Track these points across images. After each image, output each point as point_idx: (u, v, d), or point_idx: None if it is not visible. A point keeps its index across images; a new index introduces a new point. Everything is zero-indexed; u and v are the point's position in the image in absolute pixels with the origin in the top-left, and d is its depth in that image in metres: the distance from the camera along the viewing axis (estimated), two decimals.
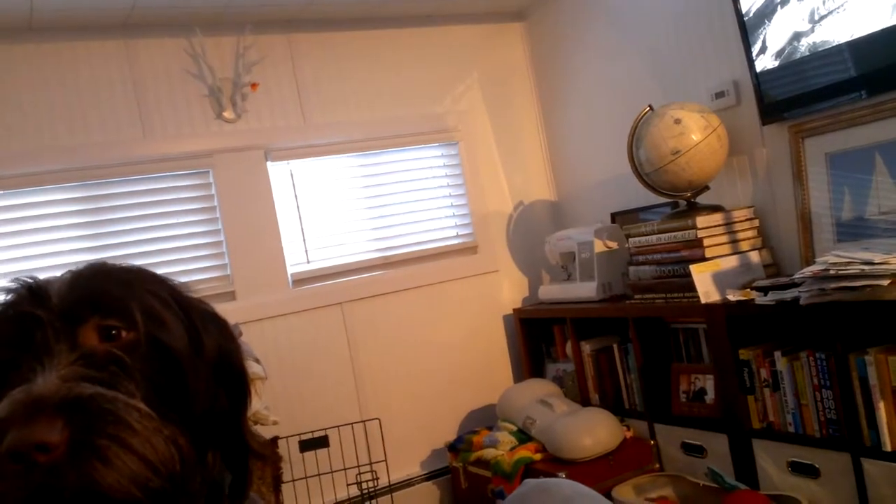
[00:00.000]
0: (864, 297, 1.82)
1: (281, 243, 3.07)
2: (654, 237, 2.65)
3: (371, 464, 2.92)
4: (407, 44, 3.39)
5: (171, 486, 0.57)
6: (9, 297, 0.64)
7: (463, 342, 3.39)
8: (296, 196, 3.15)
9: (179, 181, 2.96)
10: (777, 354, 2.18)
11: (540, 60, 3.63)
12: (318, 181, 3.20)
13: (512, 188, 3.59)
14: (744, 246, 2.53)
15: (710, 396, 2.51)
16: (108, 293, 0.65)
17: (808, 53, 2.29)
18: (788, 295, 2.09)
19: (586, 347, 3.02)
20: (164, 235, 2.90)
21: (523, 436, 2.88)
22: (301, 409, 3.02)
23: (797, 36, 2.31)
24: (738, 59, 2.56)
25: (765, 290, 2.23)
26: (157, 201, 2.92)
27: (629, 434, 2.76)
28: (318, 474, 2.86)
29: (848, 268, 1.85)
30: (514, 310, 3.41)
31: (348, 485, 2.92)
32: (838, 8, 2.18)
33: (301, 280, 3.12)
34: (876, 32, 2.09)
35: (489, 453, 2.83)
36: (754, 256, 2.52)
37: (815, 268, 1.93)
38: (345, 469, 2.91)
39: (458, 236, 3.48)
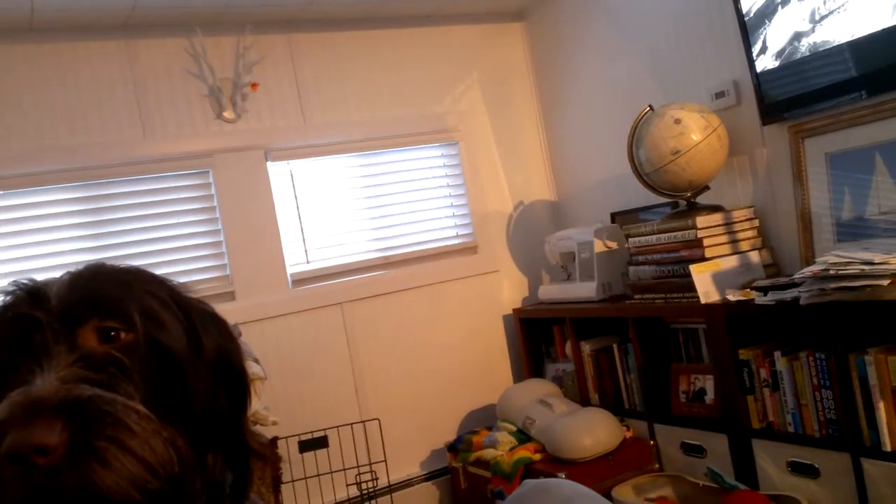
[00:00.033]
0: (864, 297, 1.82)
1: (281, 243, 3.07)
2: (653, 237, 2.64)
3: (371, 464, 2.92)
4: (407, 44, 3.39)
5: (170, 488, 0.57)
6: (7, 299, 0.64)
7: (463, 342, 3.39)
8: (296, 196, 3.15)
9: (179, 181, 2.96)
10: (777, 354, 2.18)
11: (540, 60, 3.62)
12: (318, 181, 3.20)
13: (512, 188, 3.59)
14: (744, 246, 2.53)
15: (709, 396, 2.51)
16: (106, 294, 0.64)
17: (808, 53, 2.29)
18: (788, 295, 2.09)
19: (586, 347, 3.02)
20: (164, 235, 2.90)
21: (523, 436, 2.88)
22: (301, 409, 3.02)
23: (798, 36, 2.31)
24: (738, 59, 2.56)
25: (765, 290, 2.23)
26: (158, 201, 2.92)
27: (629, 434, 2.76)
28: (318, 475, 2.86)
29: (848, 268, 1.85)
30: (514, 310, 3.41)
31: (348, 485, 2.92)
32: (839, 8, 2.18)
33: (301, 280, 3.12)
34: (876, 32, 2.09)
35: (489, 453, 2.83)
36: (754, 256, 2.52)
37: (815, 268, 1.93)
38: (344, 469, 2.91)
39: (458, 236, 3.48)
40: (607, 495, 2.45)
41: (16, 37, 2.71)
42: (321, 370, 3.10)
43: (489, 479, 2.80)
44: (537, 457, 2.73)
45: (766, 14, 2.39)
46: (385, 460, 2.93)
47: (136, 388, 0.60)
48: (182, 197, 2.96)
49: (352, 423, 2.96)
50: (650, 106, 2.67)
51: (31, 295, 0.64)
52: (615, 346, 2.92)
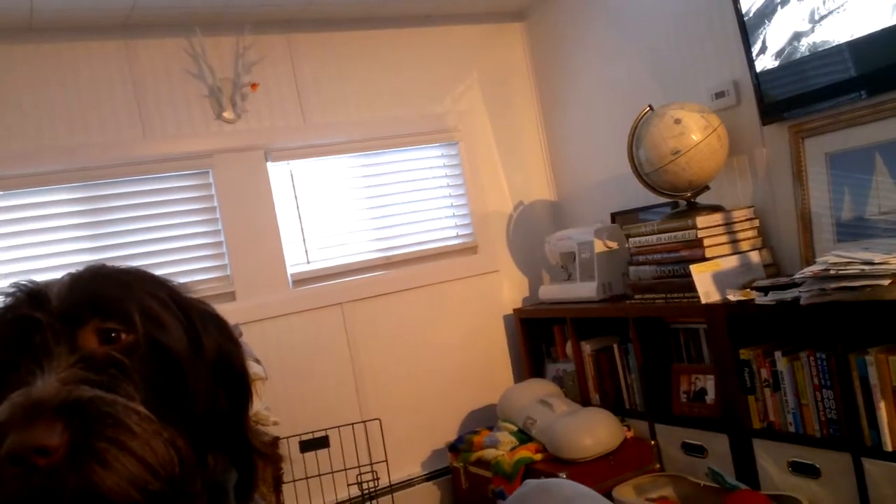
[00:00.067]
0: (865, 296, 1.82)
1: (281, 243, 3.07)
2: (654, 237, 2.64)
3: (371, 464, 2.92)
4: (407, 44, 3.39)
5: (171, 488, 0.58)
6: (8, 300, 0.64)
7: (463, 342, 3.39)
8: (296, 196, 3.15)
9: (179, 181, 2.96)
10: (777, 354, 2.18)
11: (540, 60, 3.62)
12: (318, 181, 3.20)
13: (512, 188, 3.59)
14: (744, 246, 2.53)
15: (710, 396, 2.51)
16: (107, 295, 0.65)
17: (808, 53, 2.29)
18: (789, 295, 2.09)
19: (586, 347, 3.02)
20: (164, 236, 2.90)
21: (524, 436, 2.88)
22: (301, 409, 3.02)
23: (797, 36, 2.31)
24: (738, 59, 2.55)
25: (765, 290, 2.23)
26: (157, 202, 2.91)
27: (629, 434, 2.76)
28: (319, 475, 2.86)
29: (848, 268, 1.85)
30: (515, 310, 3.41)
31: (349, 485, 2.92)
32: (838, 8, 2.18)
33: (301, 280, 3.12)
34: (876, 32, 2.09)
35: (490, 453, 2.83)
36: (754, 256, 2.52)
37: (815, 268, 1.93)
38: (345, 469, 2.91)
39: (458, 236, 3.48)
40: (608, 495, 2.45)
41: (15, 37, 2.71)
42: (322, 370, 3.10)
43: (490, 479, 2.80)
44: (538, 457, 2.73)
45: (765, 14, 2.39)
46: (386, 460, 2.93)
47: (137, 388, 0.60)
48: (182, 197, 2.96)
49: (353, 423, 2.96)
50: (650, 106, 2.67)
51: (31, 296, 0.64)
52: (616, 346, 2.92)
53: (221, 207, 2.98)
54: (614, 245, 3.02)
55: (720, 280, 2.42)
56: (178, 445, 0.60)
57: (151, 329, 0.65)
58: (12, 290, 0.65)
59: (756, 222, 2.58)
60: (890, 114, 2.14)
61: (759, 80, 2.44)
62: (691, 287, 2.43)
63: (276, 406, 2.89)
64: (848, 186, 2.29)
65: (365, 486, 2.84)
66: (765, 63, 2.42)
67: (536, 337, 3.38)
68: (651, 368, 2.72)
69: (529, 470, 2.67)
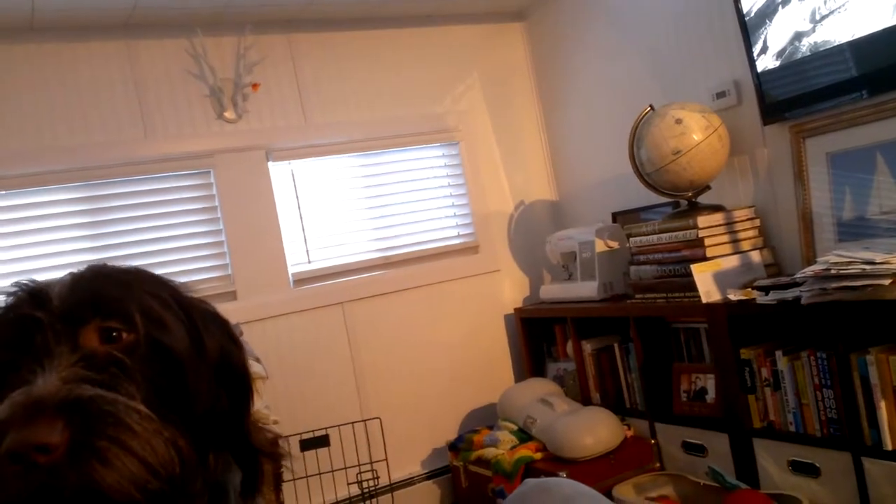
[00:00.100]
0: (866, 296, 1.82)
1: (282, 243, 3.08)
2: (655, 237, 2.64)
3: (372, 463, 2.92)
4: (407, 44, 3.40)
5: (171, 488, 0.58)
6: (9, 299, 0.65)
7: (464, 341, 3.39)
8: (297, 196, 3.15)
9: (180, 181, 2.96)
10: (778, 354, 2.18)
11: (540, 60, 3.62)
12: (319, 181, 3.20)
13: (513, 188, 3.59)
14: (745, 245, 2.53)
15: (710, 396, 2.51)
16: (108, 295, 0.65)
17: (809, 53, 2.29)
18: (789, 294, 2.09)
19: (587, 347, 3.02)
20: (165, 235, 2.91)
21: (524, 435, 2.88)
22: (302, 408, 3.03)
23: (798, 36, 2.31)
24: (739, 59, 2.55)
25: (766, 290, 2.23)
26: (159, 201, 2.92)
27: (630, 433, 2.76)
28: (319, 473, 2.87)
29: (849, 267, 1.85)
30: (515, 309, 3.41)
31: (349, 484, 2.92)
32: (839, 8, 2.18)
33: (302, 280, 3.13)
34: (877, 32, 2.09)
35: (490, 452, 2.83)
36: (755, 256, 2.52)
37: (816, 267, 1.93)
38: (345, 468, 2.91)
39: (458, 236, 3.48)
40: (608, 494, 2.45)
41: (16, 37, 2.71)
42: (322, 369, 3.11)
43: (490, 478, 2.80)
44: (538, 456, 2.73)
45: (766, 14, 2.39)
46: (386, 459, 2.93)
47: (138, 388, 0.61)
48: (183, 197, 2.96)
49: (353, 422, 2.96)
50: (651, 106, 2.67)
51: (32, 295, 0.64)
52: (616, 345, 2.92)
53: (222, 207, 2.98)
54: (615, 245, 3.02)
55: (721, 280, 2.42)
56: (179, 445, 0.60)
57: (152, 329, 0.65)
58: (14, 289, 0.65)
59: (757, 222, 2.58)
60: (891, 113, 2.13)
61: (760, 79, 2.44)
62: (692, 287, 2.43)
63: (277, 405, 2.89)
64: (849, 186, 2.28)
65: (365, 484, 2.84)
66: (766, 63, 2.42)
67: (537, 336, 3.38)
68: (652, 368, 2.72)
69: (529, 469, 2.67)
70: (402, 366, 3.26)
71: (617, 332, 2.97)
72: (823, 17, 2.22)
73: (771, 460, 2.21)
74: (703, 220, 2.48)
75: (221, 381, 0.71)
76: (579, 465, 2.60)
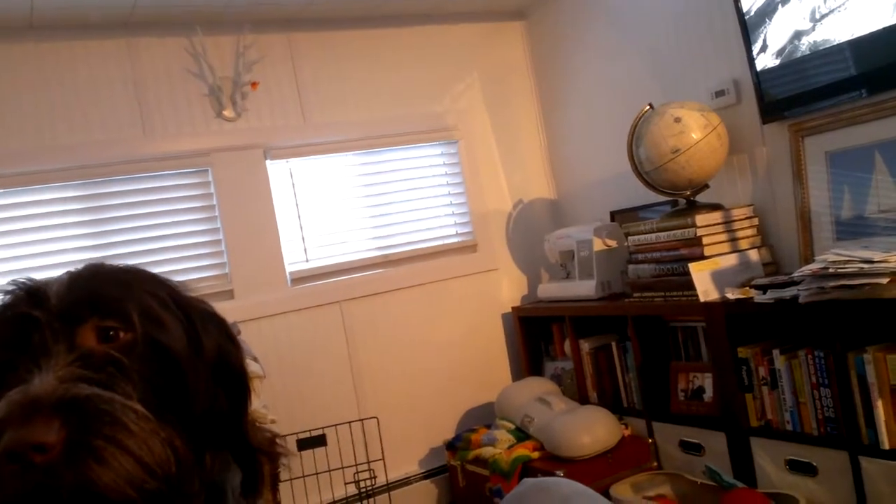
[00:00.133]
0: (863, 295, 1.82)
1: (280, 242, 3.07)
2: (653, 235, 2.65)
3: (369, 462, 2.92)
4: (406, 43, 3.39)
5: (168, 488, 0.58)
6: (7, 298, 0.64)
7: (462, 340, 3.39)
8: (295, 195, 3.15)
9: (179, 180, 2.96)
10: (776, 353, 2.18)
11: (540, 59, 3.62)
12: (318, 180, 3.20)
13: (511, 186, 3.59)
14: (743, 244, 2.53)
15: (708, 395, 2.51)
16: (106, 294, 0.65)
17: (808, 52, 2.29)
18: (787, 293, 2.09)
19: (585, 346, 3.02)
20: (163, 234, 2.90)
21: (521, 434, 2.88)
22: (299, 407, 3.02)
23: (798, 35, 2.31)
24: (738, 58, 2.55)
25: (764, 289, 2.23)
26: (157, 200, 2.91)
27: (627, 432, 2.76)
28: (316, 473, 2.87)
29: (847, 266, 1.85)
30: (513, 308, 3.41)
31: (346, 483, 2.92)
32: (839, 7, 2.18)
33: (300, 278, 3.12)
34: (876, 31, 2.09)
35: (487, 451, 2.83)
36: (753, 255, 2.52)
37: (814, 266, 1.93)
38: (343, 468, 2.91)
39: (457, 235, 3.48)
40: (606, 493, 2.45)
41: (15, 35, 2.71)
42: (320, 368, 3.10)
43: (488, 478, 2.80)
44: (536, 455, 2.73)
45: (766, 13, 2.39)
46: (383, 458, 2.93)
47: (135, 387, 0.61)
48: (181, 195, 2.96)
49: (350, 422, 2.96)
50: (650, 104, 2.67)
51: (30, 294, 0.64)
52: (614, 344, 2.92)
53: (221, 206, 2.98)
54: (613, 243, 3.03)
55: (719, 278, 2.43)
56: (176, 445, 0.60)
57: (150, 328, 0.65)
58: (11, 288, 0.65)
59: (755, 221, 2.59)
60: (890, 112, 2.14)
61: (759, 78, 2.44)
62: (690, 285, 2.43)
63: (274, 404, 2.89)
64: (848, 185, 2.29)
65: (362, 484, 2.84)
66: (765, 62, 2.42)
67: (535, 335, 3.39)
68: (649, 367, 2.72)
69: (527, 468, 2.68)
70: (400, 365, 3.26)
71: (615, 330, 2.97)
72: (823, 16, 2.23)
73: (768, 459, 2.22)
74: (701, 219, 2.48)
75: (219, 381, 0.71)
76: (577, 464, 2.60)
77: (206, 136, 2.97)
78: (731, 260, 2.48)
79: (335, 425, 2.89)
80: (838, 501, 2.01)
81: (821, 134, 2.35)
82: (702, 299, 2.39)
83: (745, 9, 2.44)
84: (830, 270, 1.87)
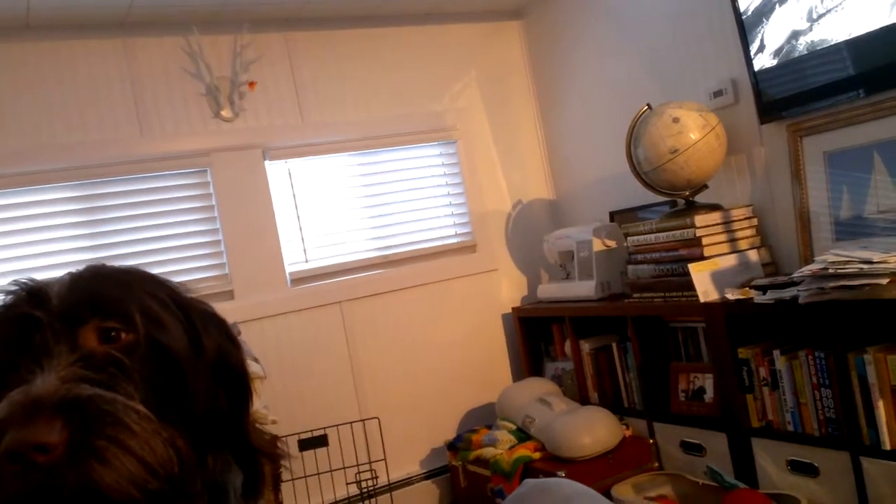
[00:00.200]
0: (863, 295, 1.82)
1: (279, 242, 3.07)
2: (652, 236, 2.65)
3: (370, 463, 2.92)
4: (405, 42, 3.39)
5: (170, 488, 0.57)
6: (8, 298, 0.64)
7: (462, 341, 3.39)
8: (294, 195, 3.15)
9: (177, 180, 2.95)
10: (776, 353, 2.18)
11: (538, 59, 3.62)
12: (317, 180, 3.20)
13: (510, 187, 3.59)
14: (742, 245, 2.53)
15: (709, 395, 2.51)
16: (107, 295, 0.65)
17: (806, 52, 2.29)
18: (787, 294, 2.09)
19: (585, 346, 3.02)
20: (161, 234, 2.90)
21: (522, 434, 2.88)
22: (300, 408, 3.02)
23: (795, 35, 2.31)
24: (736, 58, 2.55)
25: (763, 289, 2.23)
26: (155, 200, 2.91)
27: (628, 433, 2.76)
28: (318, 473, 2.86)
29: (846, 266, 1.85)
30: (513, 308, 3.41)
31: (347, 484, 2.92)
32: (836, 6, 2.18)
33: (299, 279, 3.12)
34: (874, 31, 2.09)
35: (488, 452, 2.83)
36: (753, 255, 2.52)
37: (813, 266, 1.93)
38: (344, 468, 2.91)
39: (456, 235, 3.48)
40: (607, 494, 2.45)
41: (12, 35, 2.71)
42: (321, 369, 3.10)
43: (489, 478, 2.80)
44: (537, 455, 2.73)
45: (763, 13, 2.39)
46: (385, 459, 2.93)
47: (137, 388, 0.60)
48: (180, 196, 2.96)
49: (351, 422, 2.96)
50: (648, 105, 2.67)
51: (31, 295, 0.64)
52: (614, 344, 2.92)
53: (219, 206, 2.98)
54: (613, 244, 3.03)
55: (719, 279, 2.43)
56: (178, 445, 0.60)
57: (151, 329, 0.65)
58: (13, 288, 0.65)
59: (754, 221, 2.59)
60: (888, 112, 2.14)
61: (757, 78, 2.44)
62: (690, 286, 2.43)
63: (275, 405, 2.89)
64: (846, 185, 2.29)
65: (364, 484, 2.84)
66: (763, 62, 2.42)
67: (535, 336, 3.38)
68: (649, 367, 2.72)
69: (528, 468, 2.67)
70: (401, 365, 3.26)
71: (615, 331, 2.97)
72: (820, 16, 2.23)
73: (769, 460, 2.21)
74: (700, 220, 2.48)
75: (220, 381, 0.71)
76: (578, 464, 2.60)
77: (205, 136, 2.97)
78: (730, 260, 2.48)
79: (336, 425, 2.89)
80: (840, 502, 2.01)
81: (819, 134, 2.36)
82: (702, 300, 2.39)
83: (742, 8, 2.44)
84: (830, 271, 1.87)
